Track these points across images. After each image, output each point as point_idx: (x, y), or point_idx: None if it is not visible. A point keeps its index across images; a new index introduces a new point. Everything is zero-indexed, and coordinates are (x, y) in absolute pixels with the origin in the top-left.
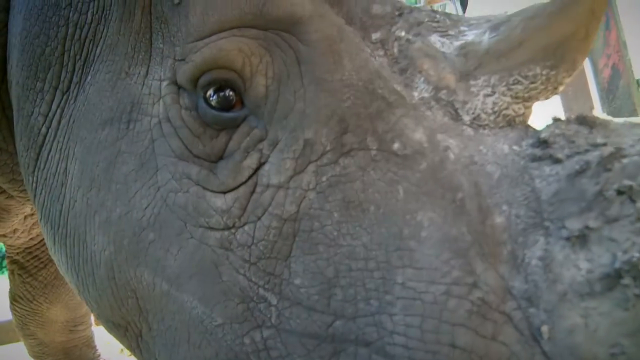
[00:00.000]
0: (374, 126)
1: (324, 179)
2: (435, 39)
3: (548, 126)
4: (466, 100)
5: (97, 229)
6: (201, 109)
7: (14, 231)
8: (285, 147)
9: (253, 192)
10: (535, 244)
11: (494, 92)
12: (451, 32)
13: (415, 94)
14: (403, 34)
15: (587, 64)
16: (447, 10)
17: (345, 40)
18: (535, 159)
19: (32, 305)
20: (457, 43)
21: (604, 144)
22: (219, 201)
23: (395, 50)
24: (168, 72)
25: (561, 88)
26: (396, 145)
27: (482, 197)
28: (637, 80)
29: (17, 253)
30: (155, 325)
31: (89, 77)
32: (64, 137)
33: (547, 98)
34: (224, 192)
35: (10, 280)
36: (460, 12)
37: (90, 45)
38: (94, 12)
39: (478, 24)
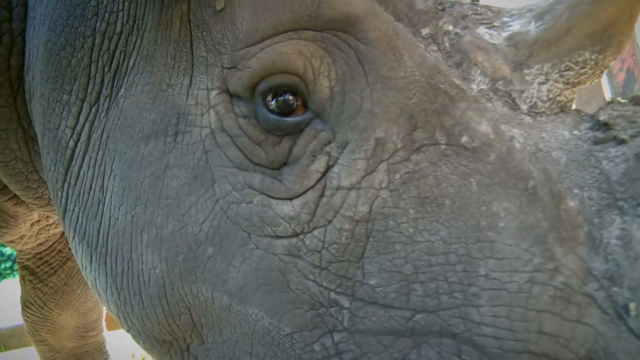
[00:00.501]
0: (441, 121)
1: (397, 176)
2: (482, 31)
3: (603, 109)
4: (522, 90)
5: (146, 247)
6: (261, 116)
7: (21, 237)
8: (356, 148)
9: (322, 195)
10: (612, 224)
11: (547, 80)
12: (496, 24)
13: (474, 86)
14: (451, 28)
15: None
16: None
17: (401, 37)
18: (598, 141)
19: (43, 312)
20: (504, 34)
21: None
22: (286, 208)
23: (447, 44)
24: (216, 80)
25: (606, 70)
26: (464, 139)
27: (553, 182)
28: None
29: (28, 259)
30: (211, 339)
31: (122, 90)
32: (97, 153)
33: (592, 82)
34: (291, 199)
35: (22, 287)
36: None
37: (122, 56)
38: (124, 23)
39: (520, 14)
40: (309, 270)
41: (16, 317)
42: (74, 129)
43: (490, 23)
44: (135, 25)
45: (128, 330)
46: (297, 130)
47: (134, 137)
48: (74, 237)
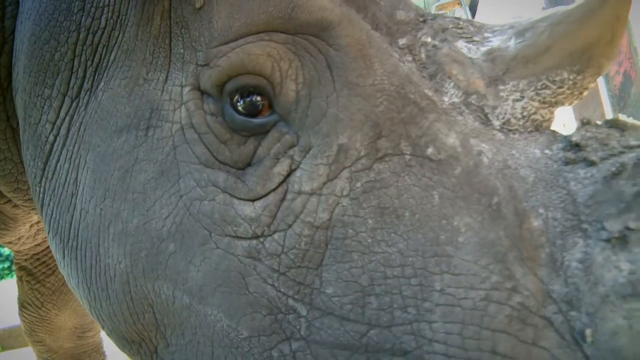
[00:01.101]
0: (408, 131)
1: (358, 185)
2: (461, 44)
3: (578, 130)
4: (496, 105)
5: (112, 241)
6: (228, 115)
7: (19, 238)
8: (319, 153)
9: (283, 199)
10: (574, 247)
11: (522, 97)
12: (476, 38)
13: (446, 99)
14: (429, 39)
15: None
16: (457, 16)
17: (374, 45)
18: (568, 162)
19: (41, 312)
20: (483, 49)
21: (639, 146)
22: (248, 209)
23: (423, 55)
24: (190, 77)
25: (586, 92)
26: (430, 150)
27: (518, 200)
28: None
29: (25, 259)
30: (174, 341)
31: (102, 84)
32: (74, 146)
33: (571, 103)
34: (253, 200)
35: (19, 287)
36: (469, 17)
37: (104, 50)
38: (108, 18)
39: (502, 30)
40: (267, 274)
41: (14, 318)
42: (54, 123)
43: (470, 37)
44: (119, 21)
45: (102, 328)
46: (262, 132)
47: (107, 130)
48: (49, 231)
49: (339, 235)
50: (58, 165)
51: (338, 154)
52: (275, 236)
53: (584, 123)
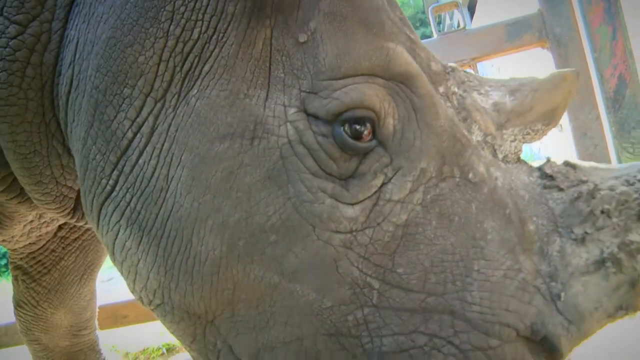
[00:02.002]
0: (458, 161)
1: (428, 197)
2: (476, 96)
3: (546, 164)
4: (501, 144)
5: (209, 232)
6: (338, 137)
7: (12, 236)
8: (407, 173)
9: (376, 204)
10: (554, 243)
11: (515, 139)
12: (482, 91)
13: (474, 137)
14: (456, 89)
15: (593, 74)
16: (454, 18)
17: (436, 95)
18: (546, 187)
19: (37, 311)
20: (490, 101)
21: (587, 181)
22: (349, 211)
23: (455, 102)
24: (294, 100)
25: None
26: (470, 175)
27: (520, 211)
28: None
29: (21, 258)
30: (244, 312)
31: (195, 91)
32: (164, 144)
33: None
34: (353, 204)
35: (14, 286)
36: (468, 20)
37: (196, 60)
38: (202, 32)
39: (497, 87)
40: (355, 259)
41: (9, 315)
42: (133, 120)
43: (479, 90)
44: (215, 37)
45: (158, 305)
46: (364, 153)
47: (207, 135)
48: (118, 220)
49: (411, 232)
50: (141, 161)
51: (419, 174)
52: (366, 231)
53: (548, 161)
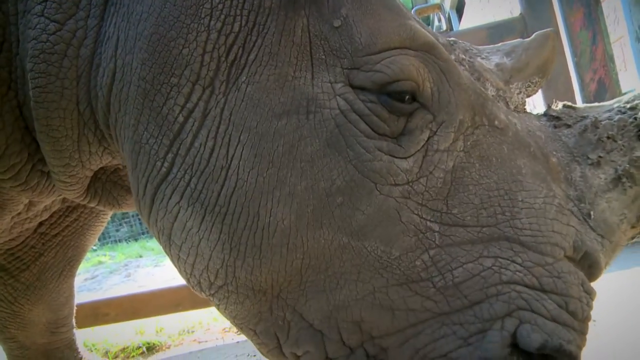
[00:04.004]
0: (484, 111)
1: (468, 143)
2: (480, 60)
3: (550, 109)
4: (510, 96)
5: (277, 203)
6: (385, 102)
7: None
8: (449, 125)
9: (426, 155)
10: (575, 170)
11: (520, 92)
12: (483, 56)
13: (489, 92)
14: (463, 56)
15: (574, 78)
16: (436, 20)
17: (453, 59)
18: (556, 126)
19: (14, 307)
20: (492, 63)
21: (587, 116)
22: (404, 163)
23: (467, 66)
24: (339, 76)
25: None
26: (496, 122)
27: (541, 148)
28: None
29: None
30: (313, 277)
31: (244, 78)
32: (219, 127)
33: (531, 95)
34: (407, 157)
35: None
36: (455, 22)
37: (240, 51)
38: (242, 25)
39: (493, 52)
40: (414, 207)
41: None
42: (183, 106)
43: (480, 56)
44: (256, 29)
45: (220, 287)
46: (409, 113)
47: (263, 115)
48: (178, 201)
49: (459, 175)
50: (197, 143)
51: (458, 125)
52: (421, 180)
53: (550, 106)
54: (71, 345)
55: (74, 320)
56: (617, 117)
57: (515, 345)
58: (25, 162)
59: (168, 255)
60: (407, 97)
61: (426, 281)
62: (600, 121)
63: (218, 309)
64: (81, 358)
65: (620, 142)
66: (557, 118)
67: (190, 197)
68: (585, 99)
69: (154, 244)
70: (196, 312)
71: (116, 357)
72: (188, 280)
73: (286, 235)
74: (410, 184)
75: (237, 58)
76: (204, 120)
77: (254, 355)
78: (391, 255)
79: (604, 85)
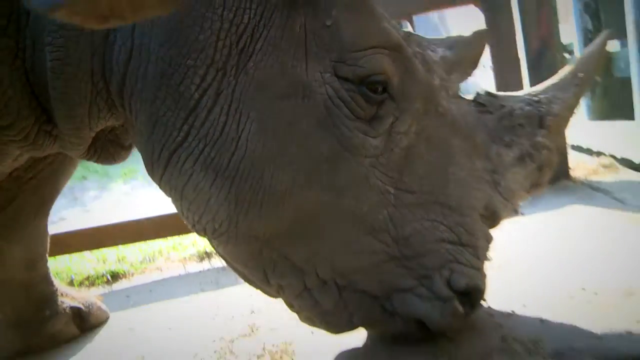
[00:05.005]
0: (432, 99)
1: (420, 127)
2: (429, 53)
3: (478, 96)
4: (450, 86)
5: (277, 168)
6: (363, 92)
7: None
8: (408, 112)
9: (389, 135)
10: (492, 149)
11: (456, 82)
12: (431, 49)
13: (435, 82)
14: (417, 49)
15: (519, 37)
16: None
17: (412, 56)
18: (480, 112)
19: None
20: (438, 56)
21: (505, 106)
22: (374, 141)
23: (420, 58)
24: (328, 68)
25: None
26: (440, 109)
27: (470, 130)
28: (564, 55)
29: None
30: (299, 228)
31: (251, 64)
32: (230, 105)
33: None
34: (376, 137)
35: None
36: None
37: (248, 40)
38: (251, 17)
39: (439, 45)
40: (378, 174)
41: None
42: (199, 85)
43: (429, 48)
44: (262, 22)
45: (222, 233)
46: (380, 102)
47: (269, 96)
48: (192, 166)
49: (411, 152)
50: (211, 117)
51: (415, 112)
52: (385, 155)
53: (478, 93)
54: (47, 279)
55: (47, 255)
56: (526, 109)
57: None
58: (33, 125)
59: (177, 207)
60: (380, 88)
61: (385, 232)
62: (514, 111)
63: (216, 249)
64: (56, 290)
65: (527, 129)
66: (482, 105)
67: (203, 162)
68: (528, 57)
69: (97, 166)
70: (156, 242)
71: (81, 285)
72: (194, 226)
73: (283, 195)
74: (377, 157)
75: (246, 46)
76: (217, 98)
77: (217, 283)
78: (361, 210)
79: (546, 43)
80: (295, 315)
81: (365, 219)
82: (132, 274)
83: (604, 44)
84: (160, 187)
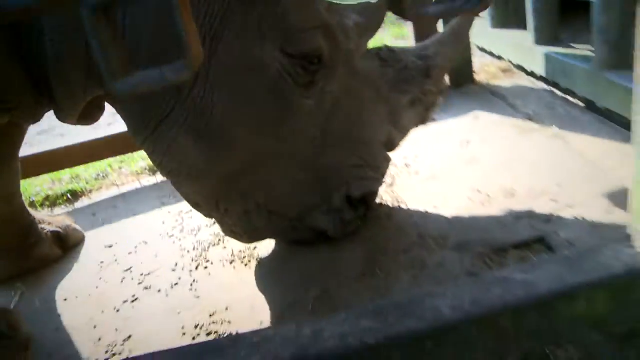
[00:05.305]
0: (349, 62)
1: (341, 84)
2: (345, 19)
3: (380, 51)
4: (361, 47)
5: (239, 125)
6: (303, 65)
7: None
8: (333, 76)
9: (321, 94)
10: (394, 97)
11: (366, 43)
12: (346, 15)
13: (352, 47)
14: (338, 18)
15: None
16: None
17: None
18: (382, 66)
19: None
20: (352, 22)
21: (401, 60)
22: (310, 101)
23: (340, 26)
24: (277, 46)
25: None
26: (355, 69)
27: (375, 82)
28: None
29: None
30: (248, 167)
31: (221, 47)
32: (206, 83)
33: None
34: (310, 97)
35: None
36: None
37: (219, 27)
38: (219, 9)
39: (350, 11)
40: (312, 122)
41: None
42: None
43: (344, 15)
44: (229, 12)
45: (188, 173)
46: (316, 71)
47: (236, 72)
48: (178, 130)
49: (335, 105)
50: (193, 94)
51: (337, 75)
52: (317, 109)
53: (380, 48)
54: (25, 210)
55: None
56: (417, 63)
57: (349, 197)
58: (36, 104)
59: (157, 159)
60: (316, 60)
61: (310, 166)
62: (408, 65)
63: (180, 185)
64: (34, 218)
65: (417, 79)
66: (384, 60)
67: (188, 126)
68: None
69: None
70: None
71: (42, 205)
72: (169, 172)
73: (242, 142)
74: (311, 112)
75: (217, 33)
76: (197, 78)
77: (175, 197)
78: (295, 150)
79: None
80: None
81: (297, 157)
82: (90, 191)
83: (476, 14)
84: (143, 144)
